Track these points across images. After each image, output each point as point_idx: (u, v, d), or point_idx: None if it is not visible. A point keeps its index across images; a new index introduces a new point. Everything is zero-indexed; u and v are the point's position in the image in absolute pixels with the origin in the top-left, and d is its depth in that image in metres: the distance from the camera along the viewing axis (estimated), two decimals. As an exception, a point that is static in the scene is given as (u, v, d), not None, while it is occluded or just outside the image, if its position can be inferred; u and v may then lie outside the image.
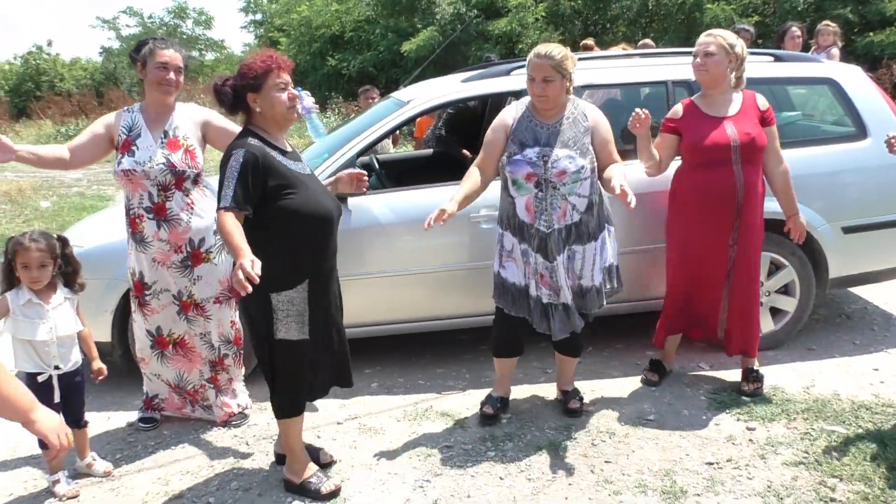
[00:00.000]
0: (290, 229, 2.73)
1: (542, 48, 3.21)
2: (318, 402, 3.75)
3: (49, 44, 32.10)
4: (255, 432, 3.51)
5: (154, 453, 3.37)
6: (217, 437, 3.49)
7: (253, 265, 2.41)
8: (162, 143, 3.31)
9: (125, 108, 3.43)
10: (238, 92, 2.74)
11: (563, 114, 3.25)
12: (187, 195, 3.34)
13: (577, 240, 3.25)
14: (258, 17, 24.54)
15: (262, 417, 3.65)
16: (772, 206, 3.94)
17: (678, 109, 3.62)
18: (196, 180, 3.38)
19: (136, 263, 3.38)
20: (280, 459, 3.15)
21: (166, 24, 30.27)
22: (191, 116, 3.42)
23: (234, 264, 2.46)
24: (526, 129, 3.23)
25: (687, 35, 14.71)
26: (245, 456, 3.30)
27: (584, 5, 15.30)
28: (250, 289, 2.40)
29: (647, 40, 8.98)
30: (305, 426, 3.50)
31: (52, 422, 1.75)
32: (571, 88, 3.26)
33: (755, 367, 3.72)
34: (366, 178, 3.18)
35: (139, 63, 3.31)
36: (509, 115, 3.32)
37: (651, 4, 15.25)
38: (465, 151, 5.40)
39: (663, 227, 3.80)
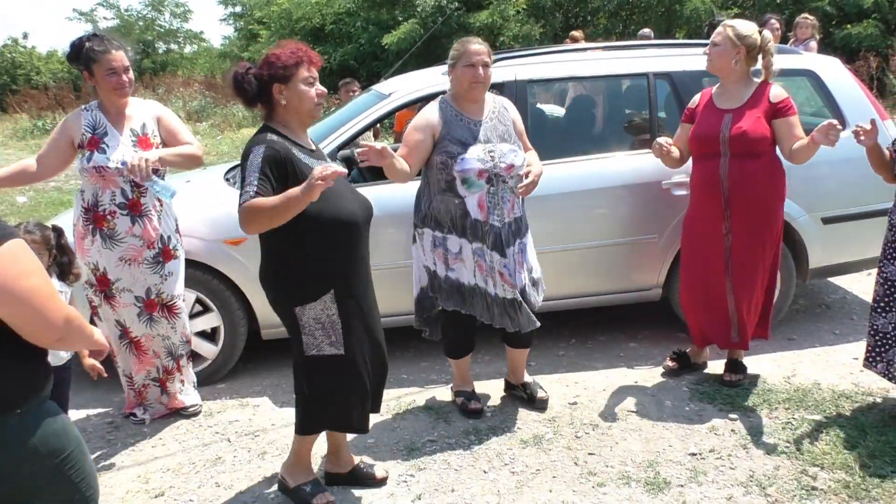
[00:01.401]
0: (313, 236, 2.54)
1: (471, 38, 3.27)
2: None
3: (25, 36, 31.55)
4: (237, 429, 3.48)
5: (133, 451, 3.33)
6: (198, 433, 3.46)
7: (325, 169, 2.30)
8: (133, 141, 3.28)
9: (82, 107, 3.36)
10: (263, 82, 2.58)
11: (488, 108, 3.28)
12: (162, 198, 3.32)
13: (523, 232, 3.31)
14: (237, 9, 24.28)
15: (244, 413, 3.62)
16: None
17: (696, 98, 3.64)
18: (163, 176, 3.38)
19: (99, 259, 3.32)
20: (329, 479, 2.97)
21: (143, 16, 29.89)
22: (151, 112, 3.42)
23: (302, 193, 2.32)
24: (459, 128, 3.20)
25: (667, 28, 14.76)
26: (227, 453, 3.27)
27: (565, -3, 15.31)
28: (342, 170, 2.32)
29: (647, 30, 8.88)
30: (288, 421, 3.49)
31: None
32: None
33: (740, 359, 3.75)
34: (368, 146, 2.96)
35: (83, 70, 3.20)
36: (432, 115, 3.23)
37: (631, -3, 15.27)
38: None
39: (648, 220, 3.82)
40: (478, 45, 3.19)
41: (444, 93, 4.22)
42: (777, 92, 3.46)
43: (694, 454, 3.10)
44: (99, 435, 3.48)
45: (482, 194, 3.17)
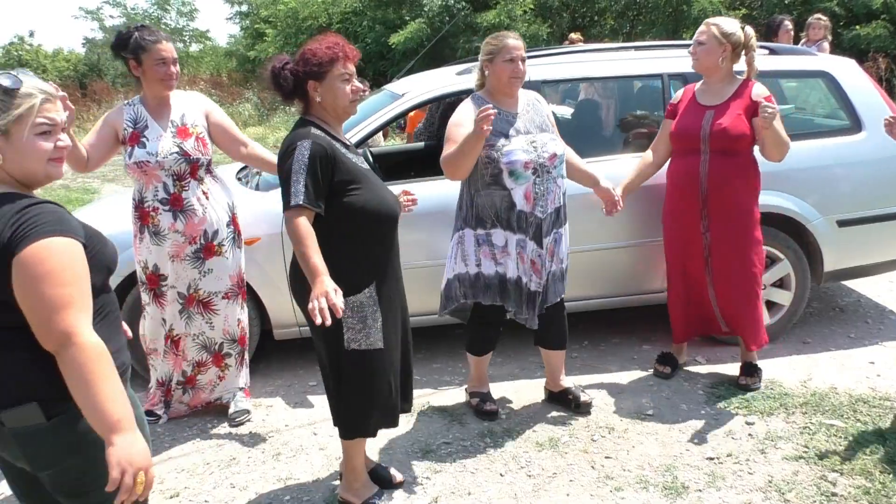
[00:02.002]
0: (356, 228, 2.54)
1: (507, 32, 3.27)
2: (315, 399, 3.73)
3: (31, 34, 31.72)
4: (251, 429, 3.47)
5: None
6: (213, 434, 3.44)
7: (336, 293, 2.30)
8: (172, 132, 3.26)
9: (124, 102, 3.36)
10: (299, 78, 2.54)
11: (522, 101, 3.29)
12: (201, 184, 3.30)
13: (561, 223, 3.32)
14: (244, 8, 24.28)
15: (258, 414, 3.61)
16: (765, 200, 3.96)
17: (679, 94, 3.68)
18: (208, 168, 3.35)
19: (149, 256, 3.31)
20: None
21: (150, 15, 29.89)
22: (196, 104, 3.40)
23: (314, 284, 2.32)
24: (499, 121, 3.18)
25: (675, 28, 14.70)
26: (241, 454, 3.26)
27: (572, -2, 15.30)
28: (329, 321, 2.27)
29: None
30: (301, 422, 3.48)
31: (127, 451, 1.49)
32: None
33: (755, 362, 3.72)
34: (416, 198, 3.00)
35: (131, 59, 3.19)
36: (469, 110, 3.22)
37: (639, -3, 15.25)
38: None
39: (657, 223, 3.80)
40: (515, 41, 3.18)
41: (459, 93, 4.22)
42: (759, 90, 3.47)
43: (711, 458, 3.07)
44: (112, 435, 3.46)
45: (529, 185, 3.16)
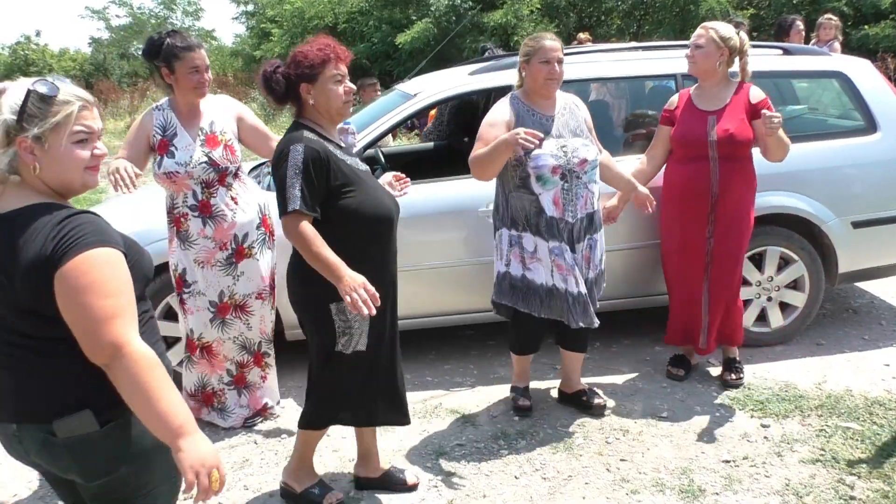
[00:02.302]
0: (351, 231, 2.52)
1: (544, 33, 3.25)
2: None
3: (37, 34, 31.74)
4: (263, 430, 3.45)
5: (160, 452, 3.31)
6: (224, 435, 3.43)
7: (365, 286, 2.34)
8: (201, 140, 3.22)
9: (154, 105, 3.32)
10: (291, 81, 2.53)
11: (559, 104, 3.25)
12: (230, 190, 3.28)
13: (596, 228, 3.27)
14: (250, 7, 24.27)
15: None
16: (780, 201, 3.94)
17: (674, 100, 3.65)
18: (237, 174, 3.33)
19: (179, 260, 3.30)
20: (360, 483, 2.96)
21: (156, 14, 29.91)
22: (226, 109, 3.35)
23: (342, 279, 2.34)
24: (532, 124, 3.15)
25: (682, 28, 14.64)
26: (254, 455, 3.24)
27: (579, -3, 15.26)
28: (374, 312, 2.33)
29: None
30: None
31: (197, 453, 1.48)
32: None
33: (737, 358, 3.76)
34: (408, 180, 3.00)
35: (163, 67, 3.15)
36: (504, 111, 3.21)
37: (646, -3, 15.21)
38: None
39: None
40: (552, 42, 3.16)
41: (472, 93, 4.21)
42: (756, 93, 3.49)
43: (727, 461, 3.05)
44: (124, 436, 3.45)
45: (557, 191, 3.14)
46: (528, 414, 3.46)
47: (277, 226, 3.52)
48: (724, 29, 3.45)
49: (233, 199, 3.28)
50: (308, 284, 2.59)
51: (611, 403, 3.57)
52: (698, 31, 3.51)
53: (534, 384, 3.77)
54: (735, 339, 3.72)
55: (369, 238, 2.58)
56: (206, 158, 3.20)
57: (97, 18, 29.98)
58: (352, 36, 16.76)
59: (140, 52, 3.31)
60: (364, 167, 2.67)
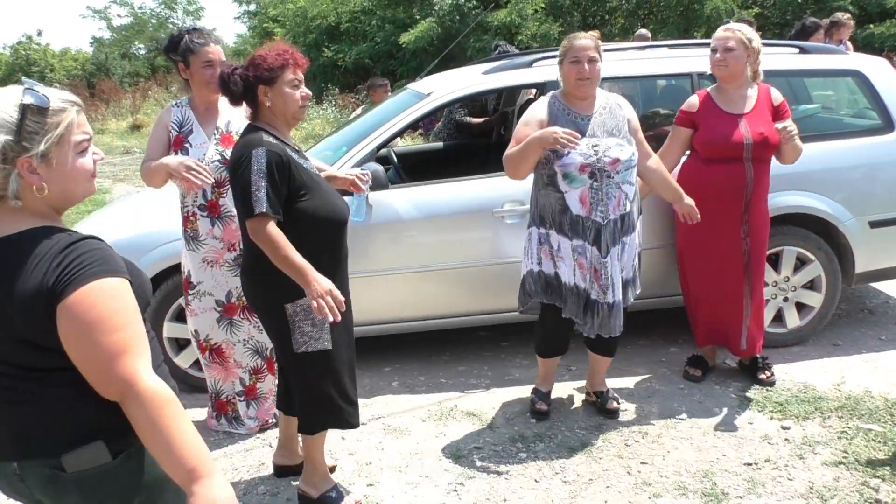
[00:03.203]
0: (307, 233, 2.53)
1: (578, 33, 3.20)
2: (341, 402, 3.68)
3: (39, 34, 31.75)
4: (278, 433, 3.41)
5: (174, 456, 3.27)
6: (239, 438, 3.40)
7: (334, 289, 2.38)
8: (216, 139, 3.20)
9: (173, 102, 3.31)
10: (249, 83, 2.53)
11: (598, 103, 3.20)
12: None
13: (629, 230, 3.22)
14: (252, 7, 24.27)
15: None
16: (796, 201, 3.91)
17: (694, 102, 3.58)
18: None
19: (186, 261, 3.28)
20: (279, 471, 3.02)
21: (157, 14, 29.92)
22: (244, 110, 3.31)
23: (310, 283, 2.37)
24: (566, 122, 3.12)
25: (686, 27, 14.63)
26: (269, 458, 3.20)
27: (583, -4, 15.24)
28: (339, 318, 2.38)
29: (644, 31, 8.76)
30: (328, 427, 3.42)
31: (210, 499, 1.33)
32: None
33: (762, 355, 3.74)
34: (365, 179, 3.04)
35: (180, 62, 3.14)
36: (540, 109, 3.20)
37: (650, -4, 15.19)
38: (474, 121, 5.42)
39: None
40: (584, 41, 3.11)
41: (486, 92, 4.18)
42: (776, 94, 3.51)
43: (749, 464, 3.02)
44: (137, 438, 3.42)
45: (584, 189, 3.09)
46: (546, 418, 3.43)
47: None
48: (748, 30, 3.43)
49: None
50: (263, 285, 2.59)
51: (628, 405, 3.53)
52: (723, 34, 3.44)
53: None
54: (756, 343, 3.67)
55: (324, 240, 2.60)
56: (219, 157, 3.17)
57: (98, 18, 30.04)
58: (355, 35, 16.75)
59: (162, 48, 3.24)
60: (316, 171, 2.70)
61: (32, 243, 1.40)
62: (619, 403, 3.49)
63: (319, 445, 2.82)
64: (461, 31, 14.01)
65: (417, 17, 15.23)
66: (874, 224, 4.04)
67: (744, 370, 3.78)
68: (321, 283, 2.38)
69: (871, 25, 13.51)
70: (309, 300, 2.38)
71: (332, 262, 2.64)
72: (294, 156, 2.56)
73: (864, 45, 13.15)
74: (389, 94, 6.33)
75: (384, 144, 3.87)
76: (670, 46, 4.41)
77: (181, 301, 3.57)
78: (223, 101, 3.24)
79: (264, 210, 2.40)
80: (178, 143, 3.18)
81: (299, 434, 2.83)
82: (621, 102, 3.27)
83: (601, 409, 3.46)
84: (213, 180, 3.05)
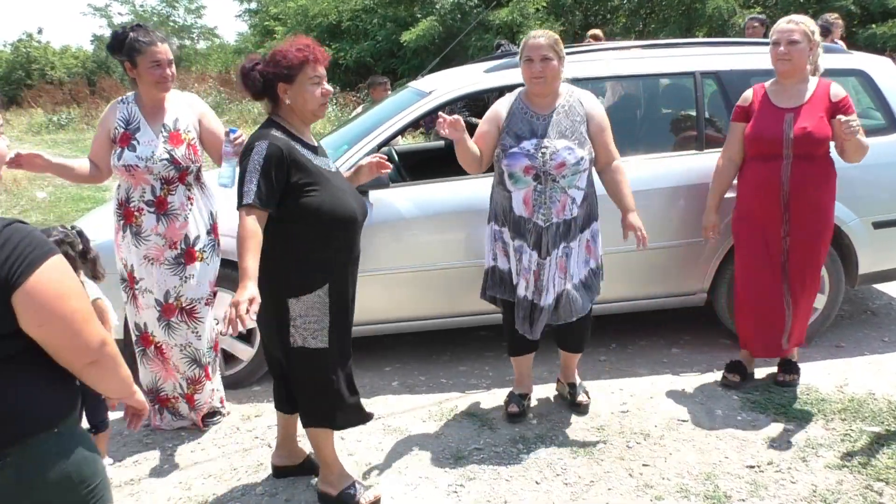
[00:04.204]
0: (312, 229, 2.54)
1: (536, 31, 3.20)
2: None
3: (39, 31, 31.71)
4: (276, 434, 3.39)
5: (173, 455, 3.25)
6: (237, 438, 3.37)
7: (251, 304, 2.28)
8: (164, 137, 3.17)
9: (119, 99, 3.27)
10: (268, 79, 2.53)
11: (558, 102, 3.17)
12: (189, 189, 3.24)
13: (573, 235, 3.18)
14: (253, 5, 24.23)
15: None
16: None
17: (748, 95, 3.51)
18: (198, 175, 3.29)
19: (128, 256, 3.25)
20: (278, 472, 2.99)
21: (158, 12, 29.86)
22: (191, 107, 3.31)
23: (240, 287, 2.31)
24: (521, 121, 3.14)
25: (688, 26, 14.60)
26: (268, 459, 3.17)
27: (585, -5, 15.22)
28: (234, 333, 2.31)
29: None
30: (328, 427, 3.40)
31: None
32: (562, 73, 3.18)
33: (794, 359, 3.67)
34: (387, 161, 3.00)
35: (126, 62, 3.11)
36: (502, 106, 3.23)
37: (652, -5, 15.16)
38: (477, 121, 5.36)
39: (695, 223, 3.73)
40: (537, 39, 3.09)
41: (488, 91, 4.15)
42: (837, 90, 3.36)
43: (752, 466, 2.99)
44: (136, 438, 3.39)
45: (528, 191, 3.09)
46: (518, 419, 3.40)
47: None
48: (810, 22, 3.33)
49: (189, 199, 3.23)
50: (270, 277, 2.55)
51: (630, 407, 3.51)
52: (787, 26, 3.32)
53: (550, 386, 3.71)
54: (801, 339, 3.63)
55: (329, 237, 2.58)
56: (167, 156, 3.14)
57: (99, 16, 29.93)
58: (356, 34, 16.71)
59: (105, 46, 3.21)
60: (333, 169, 2.69)
61: None
62: (588, 398, 3.49)
63: (328, 444, 2.80)
64: (462, 29, 13.97)
65: (419, 15, 15.20)
66: (878, 225, 4.02)
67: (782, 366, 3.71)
68: (248, 292, 2.30)
69: (874, 25, 13.48)
70: (230, 305, 2.30)
71: (342, 257, 2.63)
72: (304, 151, 2.55)
73: (867, 44, 13.12)
74: (390, 92, 6.30)
75: (385, 143, 3.85)
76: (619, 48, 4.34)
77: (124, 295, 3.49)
78: (170, 99, 3.24)
79: (250, 201, 2.41)
80: (125, 140, 3.15)
81: (298, 435, 2.82)
82: (584, 100, 3.21)
83: (571, 404, 3.48)
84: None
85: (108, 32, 29.44)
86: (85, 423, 3.02)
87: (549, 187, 3.08)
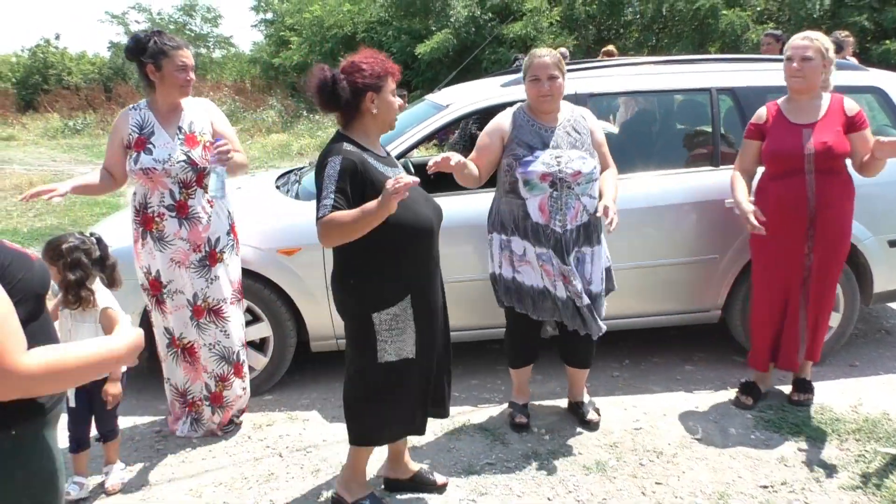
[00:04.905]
0: (390, 242, 2.53)
1: (539, 50, 3.23)
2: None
3: (57, 37, 31.85)
4: (289, 443, 3.40)
5: (184, 462, 3.26)
6: (248, 447, 3.38)
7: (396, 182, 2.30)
8: (180, 139, 3.21)
9: (130, 107, 3.31)
10: (358, 90, 2.53)
11: (563, 116, 3.25)
12: (206, 192, 3.27)
13: (586, 241, 3.22)
14: (269, 15, 24.41)
15: (294, 427, 3.54)
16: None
17: (762, 113, 3.50)
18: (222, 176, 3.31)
19: (151, 261, 3.26)
20: (389, 485, 2.99)
21: (175, 20, 30.10)
22: (204, 111, 3.36)
23: (379, 209, 2.33)
24: (529, 132, 3.19)
25: (700, 42, 14.59)
26: (279, 469, 3.19)
27: (599, 10, 15.15)
28: (412, 180, 2.30)
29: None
30: (339, 438, 3.41)
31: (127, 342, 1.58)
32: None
33: (808, 378, 3.64)
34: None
35: (150, 64, 3.13)
36: (505, 120, 3.28)
37: (665, 10, 15.12)
38: None
39: (709, 240, 3.72)
40: (542, 59, 3.14)
41: (504, 105, 4.16)
42: (851, 105, 3.37)
43: (765, 486, 2.97)
44: (147, 444, 3.41)
45: (544, 198, 3.13)
46: (527, 430, 3.43)
47: (287, 235, 3.58)
48: (825, 39, 3.33)
49: (209, 201, 3.27)
50: (352, 294, 2.61)
51: (643, 424, 3.49)
52: (802, 42, 3.31)
53: (563, 401, 3.70)
54: (815, 355, 3.60)
55: (408, 249, 2.59)
56: (185, 157, 3.18)
57: (116, 23, 30.26)
58: (370, 46, 16.68)
59: (125, 50, 3.21)
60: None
61: None
62: (599, 415, 3.49)
63: (366, 454, 2.82)
64: (476, 42, 14.03)
65: (433, 28, 15.26)
66: (893, 243, 4.00)
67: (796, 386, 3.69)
68: (380, 199, 2.34)
69: (888, 41, 13.42)
70: (390, 206, 2.32)
71: (422, 268, 2.65)
72: (377, 163, 2.57)
73: (881, 61, 13.06)
74: (407, 105, 6.32)
75: (402, 155, 3.86)
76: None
77: (144, 297, 3.49)
78: (185, 103, 3.28)
79: (328, 213, 2.42)
80: (141, 144, 3.18)
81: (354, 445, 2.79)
82: (586, 115, 3.33)
83: (581, 421, 3.47)
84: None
85: (125, 39, 29.75)
86: (94, 432, 3.04)
87: (564, 194, 3.13)
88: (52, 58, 26.36)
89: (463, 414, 3.63)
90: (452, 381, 3.97)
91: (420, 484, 2.95)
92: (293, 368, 3.94)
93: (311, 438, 3.44)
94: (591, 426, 3.45)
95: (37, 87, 24.80)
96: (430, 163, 2.81)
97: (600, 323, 3.25)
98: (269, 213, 3.88)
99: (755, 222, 3.26)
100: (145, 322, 3.59)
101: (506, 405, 3.70)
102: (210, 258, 3.29)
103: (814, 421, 3.46)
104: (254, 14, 24.89)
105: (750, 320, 3.68)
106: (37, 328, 1.54)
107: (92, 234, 2.91)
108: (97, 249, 2.83)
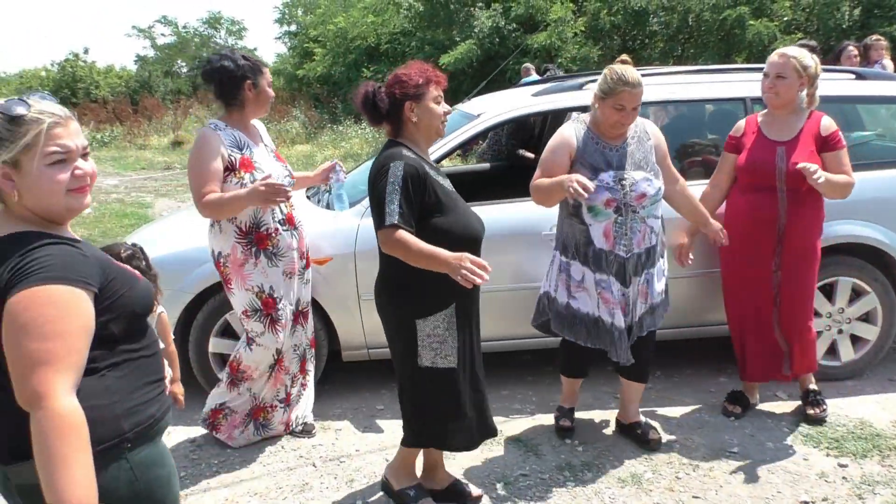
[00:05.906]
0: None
1: (628, 74, 2.97)
2: (384, 423, 3.65)
3: (85, 51, 32.55)
4: (322, 453, 3.40)
5: (219, 472, 3.27)
6: (282, 457, 3.38)
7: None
8: (272, 155, 3.28)
9: (210, 126, 3.12)
10: (396, 100, 2.57)
11: (629, 133, 3.14)
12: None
13: (654, 262, 3.16)
14: (293, 27, 24.68)
15: (327, 437, 3.54)
16: (851, 230, 3.81)
17: (741, 126, 3.52)
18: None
19: (264, 279, 3.19)
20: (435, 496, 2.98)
21: (200, 33, 30.54)
22: (260, 124, 3.41)
23: (448, 262, 2.37)
24: (594, 153, 3.07)
25: (726, 52, 14.51)
26: (313, 479, 3.19)
27: (624, 21, 15.13)
28: (487, 278, 2.34)
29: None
30: (372, 447, 3.41)
31: None
32: None
33: (815, 388, 3.61)
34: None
35: (248, 81, 3.11)
36: (571, 135, 3.12)
37: (690, 20, 15.07)
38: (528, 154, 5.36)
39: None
40: (634, 89, 2.95)
41: (536, 114, 4.16)
42: (827, 124, 3.35)
43: (806, 502, 2.92)
44: (182, 454, 3.42)
45: (609, 223, 3.05)
46: (570, 435, 3.43)
47: (320, 245, 3.62)
48: (805, 56, 3.30)
49: (296, 210, 3.36)
50: (396, 300, 2.64)
51: (678, 436, 3.45)
52: (777, 60, 3.31)
53: (596, 412, 3.68)
54: (810, 366, 3.56)
55: None
56: (287, 171, 3.27)
57: (143, 37, 30.72)
58: (394, 56, 16.89)
59: (232, 68, 3.09)
60: (451, 188, 2.70)
61: (9, 245, 1.44)
62: (659, 433, 3.41)
63: (415, 453, 2.89)
64: (500, 52, 14.06)
65: (457, 38, 15.31)
66: (932, 255, 3.93)
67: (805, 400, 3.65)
68: (454, 258, 2.37)
69: (919, 52, 13.27)
70: (454, 276, 2.36)
71: None
72: (431, 172, 2.59)
73: (911, 72, 12.94)
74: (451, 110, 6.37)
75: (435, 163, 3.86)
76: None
77: (228, 317, 3.57)
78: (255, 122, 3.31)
79: (395, 221, 2.44)
80: (247, 165, 3.10)
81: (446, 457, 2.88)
82: (649, 129, 3.22)
83: (642, 442, 3.37)
84: (290, 191, 3.10)
85: (151, 53, 30.21)
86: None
87: (629, 218, 3.04)
88: (81, 72, 26.82)
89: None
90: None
91: (455, 494, 2.95)
92: (325, 378, 3.95)
93: (344, 448, 3.44)
94: (654, 445, 3.33)
95: (66, 100, 25.20)
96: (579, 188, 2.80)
97: (629, 354, 3.16)
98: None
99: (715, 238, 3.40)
100: (181, 332, 3.62)
101: (538, 417, 3.68)
102: (308, 263, 3.40)
103: (854, 436, 3.40)
104: (278, 26, 25.14)
105: (730, 333, 3.67)
106: (124, 351, 1.56)
107: (134, 245, 2.93)
108: (143, 259, 2.86)
